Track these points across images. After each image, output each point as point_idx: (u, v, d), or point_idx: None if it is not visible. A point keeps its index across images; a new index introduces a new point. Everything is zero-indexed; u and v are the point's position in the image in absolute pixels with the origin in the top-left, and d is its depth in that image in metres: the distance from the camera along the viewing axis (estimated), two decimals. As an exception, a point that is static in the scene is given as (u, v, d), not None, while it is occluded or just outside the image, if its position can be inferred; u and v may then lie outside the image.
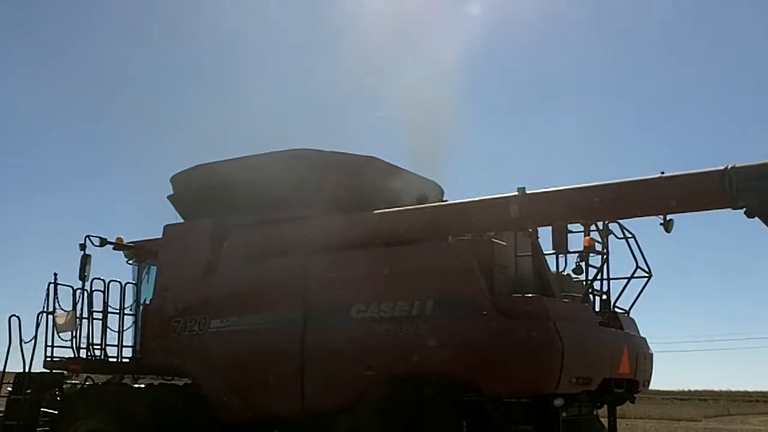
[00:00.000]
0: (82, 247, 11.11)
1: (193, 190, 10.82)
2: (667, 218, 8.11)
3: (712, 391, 78.05)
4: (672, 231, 8.11)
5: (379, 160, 10.05)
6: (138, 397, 10.09)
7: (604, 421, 10.18)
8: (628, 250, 9.31)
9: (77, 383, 11.76)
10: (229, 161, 10.37)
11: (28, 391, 10.77)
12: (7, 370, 11.35)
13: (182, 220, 11.18)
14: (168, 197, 11.20)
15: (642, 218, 8.56)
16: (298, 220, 9.71)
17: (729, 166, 7.63)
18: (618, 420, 10.18)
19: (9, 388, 11.12)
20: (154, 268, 11.26)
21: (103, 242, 11.46)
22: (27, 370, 10.90)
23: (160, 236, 10.98)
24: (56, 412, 10.70)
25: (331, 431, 9.20)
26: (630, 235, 9.32)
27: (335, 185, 9.80)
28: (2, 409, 11.08)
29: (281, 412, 9.41)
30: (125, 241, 11.88)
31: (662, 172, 7.98)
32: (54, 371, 11.15)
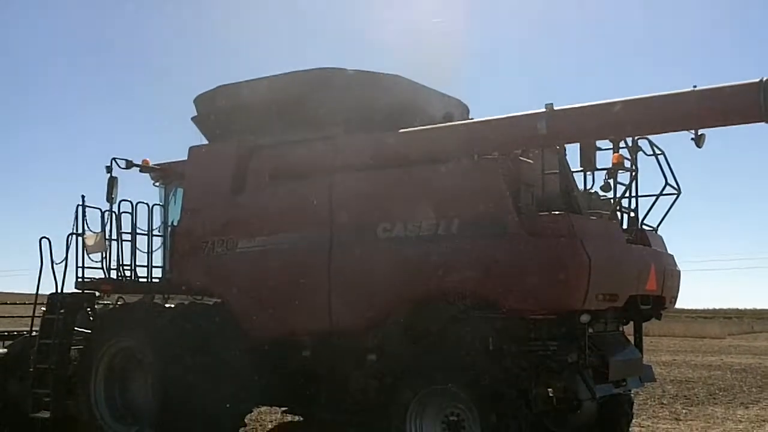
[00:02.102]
0: (109, 169, 11.12)
1: (217, 111, 10.76)
2: (699, 133, 7.94)
3: (737, 310, 78.39)
4: (704, 146, 7.95)
5: (404, 78, 9.90)
6: (169, 315, 10.25)
7: (630, 338, 10.21)
8: (658, 167, 9.18)
9: (109, 303, 11.97)
10: (253, 81, 10.27)
11: (62, 311, 10.97)
12: (40, 291, 11.58)
13: (207, 142, 11.16)
14: (192, 119, 11.15)
15: (672, 133, 8.39)
16: (323, 139, 9.66)
17: (764, 78, 7.40)
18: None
19: (43, 308, 11.35)
20: (180, 190, 11.29)
21: (129, 164, 11.47)
22: (59, 291, 11.11)
23: (186, 158, 10.99)
24: (89, 331, 10.92)
25: (359, 349, 9.35)
26: (659, 152, 9.16)
27: (360, 104, 9.69)
28: (37, 328, 11.33)
29: (309, 330, 9.55)
30: (151, 164, 11.89)
31: (695, 86, 7.78)
32: (86, 291, 11.35)
